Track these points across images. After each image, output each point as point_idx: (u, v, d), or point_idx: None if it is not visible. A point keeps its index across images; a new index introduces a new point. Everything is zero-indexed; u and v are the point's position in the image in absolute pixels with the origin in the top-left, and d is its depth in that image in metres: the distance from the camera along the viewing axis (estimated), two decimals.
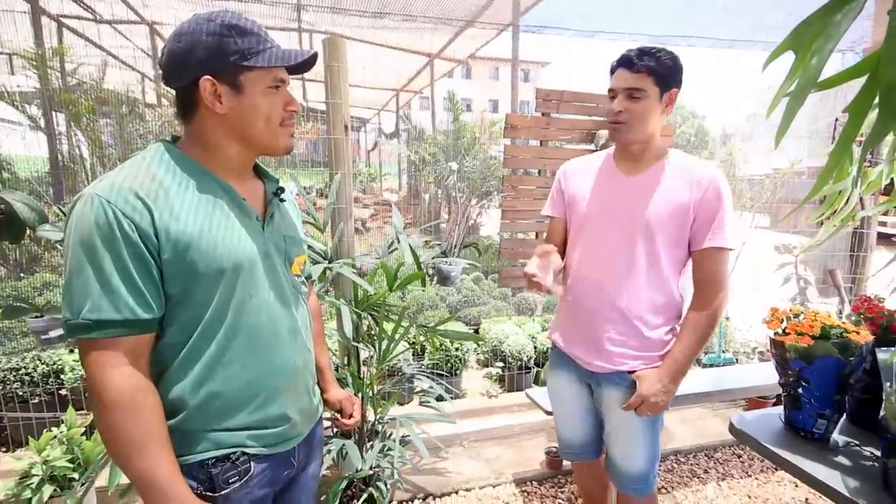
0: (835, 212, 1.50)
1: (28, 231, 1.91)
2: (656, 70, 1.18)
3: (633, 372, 1.28)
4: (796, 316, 1.27)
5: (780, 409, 1.33)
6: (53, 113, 4.43)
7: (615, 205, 1.29)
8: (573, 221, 1.40)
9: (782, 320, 1.27)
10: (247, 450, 0.84)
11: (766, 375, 2.16)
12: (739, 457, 2.55)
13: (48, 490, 1.66)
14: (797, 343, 1.18)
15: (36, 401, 2.40)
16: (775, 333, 1.26)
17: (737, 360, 3.27)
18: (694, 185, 1.22)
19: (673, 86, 1.21)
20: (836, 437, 1.24)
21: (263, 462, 0.87)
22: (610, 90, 1.25)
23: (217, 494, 0.81)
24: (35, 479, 1.67)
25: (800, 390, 1.20)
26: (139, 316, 0.73)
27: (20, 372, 2.41)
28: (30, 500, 1.63)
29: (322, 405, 1.10)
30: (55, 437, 1.82)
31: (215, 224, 0.80)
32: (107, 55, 6.40)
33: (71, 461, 1.76)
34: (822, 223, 1.62)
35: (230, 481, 0.82)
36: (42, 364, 2.46)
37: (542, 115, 2.60)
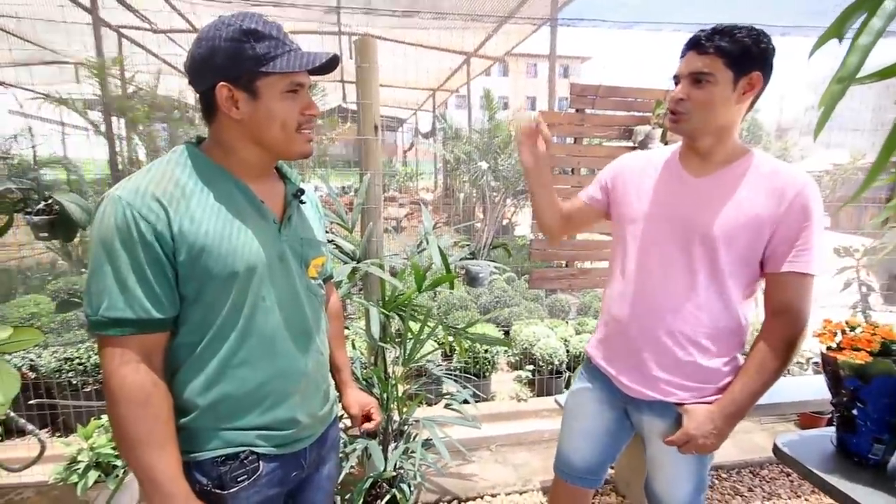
0: None
1: (80, 230, 2.04)
2: (729, 51, 0.99)
3: (682, 405, 1.13)
4: (852, 329, 1.15)
5: (832, 431, 1.21)
6: (113, 118, 4.74)
7: (674, 209, 1.12)
8: (620, 223, 1.24)
9: (836, 333, 1.16)
10: (256, 449, 0.85)
11: (820, 390, 1.98)
12: (788, 475, 2.37)
13: (93, 476, 1.76)
14: (852, 359, 1.07)
15: (88, 390, 2.56)
16: (828, 348, 1.15)
17: (788, 370, 3.05)
18: (776, 195, 1.02)
19: (753, 69, 1.01)
20: (895, 464, 1.12)
21: (273, 462, 0.88)
22: (674, 76, 1.09)
23: (226, 493, 0.82)
24: (82, 465, 1.78)
25: (854, 411, 1.09)
26: (153, 315, 0.75)
27: (74, 362, 2.58)
28: (76, 484, 1.74)
29: (338, 407, 1.10)
30: (101, 425, 1.93)
31: (231, 227, 0.81)
32: (162, 63, 6.79)
33: (114, 448, 1.86)
34: (886, 222, 1.46)
35: (239, 480, 0.83)
36: (94, 355, 2.63)
37: (577, 111, 2.52)
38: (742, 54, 0.99)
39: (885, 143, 0.45)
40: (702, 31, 1.04)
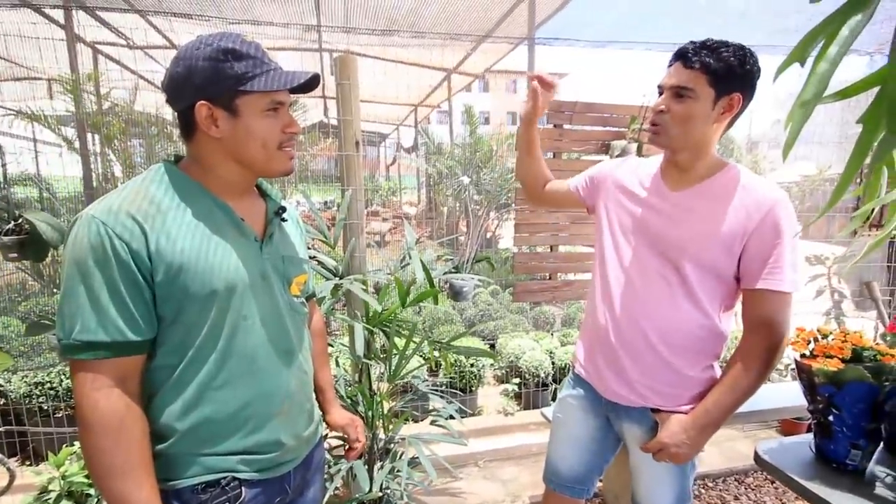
0: (867, 220, 1.41)
1: (52, 250, 1.98)
2: (713, 68, 1.00)
3: (658, 411, 1.15)
4: (824, 337, 1.19)
5: (810, 438, 1.24)
6: (88, 134, 4.65)
7: (651, 222, 1.14)
8: (602, 232, 1.26)
9: (809, 341, 1.19)
10: (238, 475, 0.83)
11: (800, 396, 2.03)
12: (773, 482, 2.40)
13: None
14: (825, 367, 1.10)
15: (59, 415, 2.46)
16: (802, 355, 1.18)
17: (769, 377, 3.11)
18: (747, 211, 1.03)
19: (734, 90, 1.02)
20: (872, 468, 1.14)
21: (256, 487, 0.85)
22: (658, 86, 1.10)
23: None
24: (53, 495, 1.70)
25: (830, 418, 1.12)
26: (128, 338, 0.73)
27: (45, 386, 2.48)
28: None
29: (322, 427, 1.08)
30: (74, 452, 1.85)
31: (210, 245, 0.80)
32: (139, 79, 6.71)
33: (87, 476, 1.78)
34: (856, 233, 1.52)
35: None
36: (66, 379, 2.53)
37: (555, 126, 2.57)
38: (726, 73, 1.01)
39: (850, 160, 0.48)
40: (691, 42, 1.05)
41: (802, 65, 0.55)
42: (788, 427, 2.71)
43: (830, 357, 1.12)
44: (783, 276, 1.01)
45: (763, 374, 1.04)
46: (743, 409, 2.04)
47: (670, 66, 1.08)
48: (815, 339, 1.19)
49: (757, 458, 1.25)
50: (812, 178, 4.04)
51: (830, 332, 1.19)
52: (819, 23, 0.53)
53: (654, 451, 1.12)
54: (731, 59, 1.00)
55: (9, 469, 1.73)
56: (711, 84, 1.01)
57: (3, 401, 2.47)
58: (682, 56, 1.04)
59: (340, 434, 1.15)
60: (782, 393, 2.14)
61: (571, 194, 1.39)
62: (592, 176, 1.35)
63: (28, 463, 2.43)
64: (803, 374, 1.16)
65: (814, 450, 1.21)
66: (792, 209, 1.06)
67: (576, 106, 2.57)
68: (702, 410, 1.08)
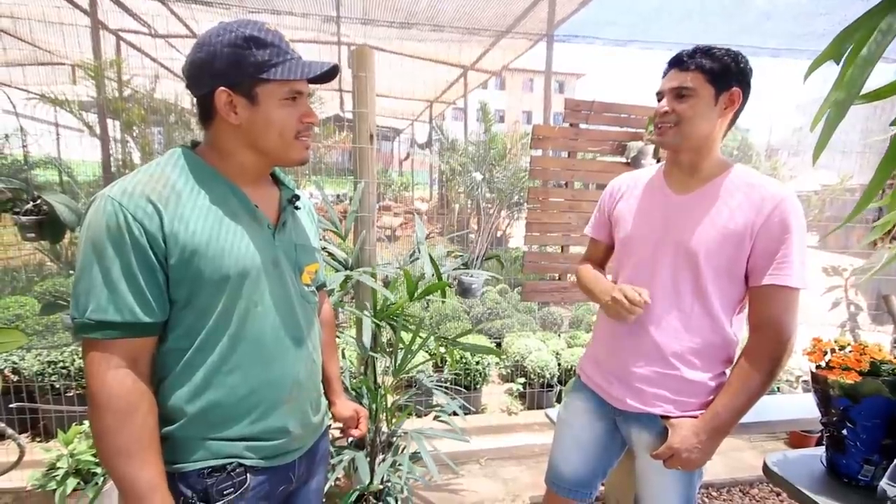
0: (889, 232, 1.37)
1: (69, 232, 2.01)
2: (710, 68, 1.04)
3: (667, 417, 1.13)
4: (842, 348, 1.16)
5: (821, 451, 1.21)
6: (108, 120, 4.72)
7: (658, 228, 1.15)
8: (617, 244, 1.28)
9: (825, 352, 1.16)
10: (243, 461, 0.83)
11: (810, 408, 1.98)
12: (779, 495, 2.37)
13: (72, 483, 1.72)
14: (842, 379, 1.07)
15: (70, 394, 2.51)
16: (817, 367, 1.15)
17: (778, 388, 3.06)
18: (754, 209, 1.03)
19: (732, 85, 1.05)
20: (885, 485, 1.11)
21: (261, 475, 0.86)
22: (658, 93, 1.13)
23: None
24: (60, 472, 1.73)
25: (844, 432, 1.09)
26: (140, 319, 0.73)
27: (58, 365, 2.53)
28: (54, 491, 1.69)
29: (328, 417, 1.08)
30: (82, 431, 1.89)
31: (224, 231, 0.80)
32: (159, 67, 6.78)
33: (94, 455, 1.81)
34: (875, 244, 1.48)
35: (225, 493, 0.81)
36: (78, 359, 2.57)
37: (571, 125, 2.55)
38: (722, 70, 1.04)
39: (879, 168, 0.46)
40: (683, 50, 1.09)
41: (837, 62, 0.53)
42: (797, 439, 2.67)
43: (847, 369, 1.09)
44: (791, 272, 1.00)
45: (772, 374, 1.02)
46: (751, 419, 2.01)
47: (665, 74, 1.13)
48: (832, 351, 1.16)
49: (766, 469, 1.23)
50: (832, 187, 3.95)
51: (848, 344, 1.16)
52: (854, 21, 0.51)
53: (665, 458, 1.10)
54: (725, 58, 1.04)
55: (19, 445, 1.77)
56: (710, 82, 1.05)
57: (16, 378, 2.52)
58: (677, 62, 1.09)
59: (342, 425, 1.15)
60: (792, 404, 2.10)
61: (598, 242, 1.38)
62: (596, 215, 1.37)
63: (38, 439, 2.48)
64: (818, 385, 1.14)
65: (825, 463, 1.18)
66: (800, 206, 1.05)
67: (593, 105, 2.53)
68: (712, 414, 1.06)
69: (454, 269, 2.22)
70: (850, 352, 1.14)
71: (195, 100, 0.85)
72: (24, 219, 1.94)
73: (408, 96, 10.54)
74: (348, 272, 1.85)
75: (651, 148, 2.61)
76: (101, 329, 0.72)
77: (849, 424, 1.08)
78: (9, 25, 5.86)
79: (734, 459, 2.63)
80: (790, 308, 1.02)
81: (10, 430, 1.77)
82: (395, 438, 1.95)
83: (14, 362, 2.56)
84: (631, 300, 1.08)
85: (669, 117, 1.09)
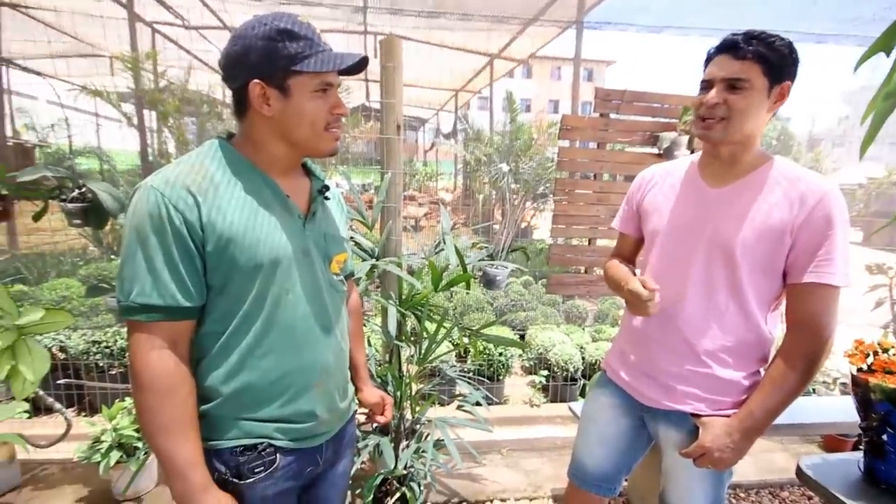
0: None
1: (111, 218, 2.10)
2: (767, 57, 0.96)
3: (698, 416, 1.10)
4: (885, 351, 1.11)
5: (859, 456, 1.17)
6: (145, 111, 4.89)
7: (693, 222, 1.10)
8: (646, 237, 1.24)
9: (868, 355, 1.12)
10: (273, 442, 0.87)
11: (847, 411, 1.91)
12: (811, 499, 2.30)
13: (115, 456, 1.82)
14: (884, 383, 1.03)
15: (113, 372, 2.65)
16: (858, 370, 1.11)
17: (814, 390, 2.95)
18: (796, 203, 0.98)
19: (786, 78, 0.99)
20: None
21: (289, 455, 0.89)
22: (704, 81, 1.04)
23: (243, 482, 0.84)
24: (104, 445, 1.83)
25: (884, 437, 1.05)
26: (180, 303, 0.77)
27: (101, 345, 2.67)
28: (99, 463, 1.80)
29: (355, 404, 1.11)
30: (125, 407, 1.99)
31: (258, 221, 0.83)
32: (193, 58, 6.96)
33: (137, 430, 1.91)
34: None
35: (256, 471, 0.85)
36: (121, 339, 2.71)
37: (601, 115, 2.49)
38: (779, 62, 0.97)
39: None
40: (734, 34, 1.00)
41: (888, 54, 0.50)
42: (832, 443, 2.57)
43: (890, 373, 1.04)
44: (834, 269, 0.95)
45: (809, 375, 0.99)
46: (785, 420, 1.95)
47: (712, 58, 1.04)
48: (875, 353, 1.11)
49: (799, 472, 1.20)
50: (879, 180, 3.74)
51: (892, 347, 1.11)
52: None
53: (696, 457, 1.07)
54: (783, 48, 0.97)
55: (66, 418, 1.88)
56: (766, 74, 0.98)
57: (63, 356, 2.67)
58: (731, 47, 1.00)
59: (368, 411, 1.18)
60: (828, 407, 2.02)
61: (627, 236, 1.35)
62: (624, 208, 1.33)
63: (84, 414, 2.63)
64: (858, 388, 1.09)
65: (862, 469, 1.14)
66: (844, 200, 0.99)
67: (624, 94, 2.47)
68: (746, 413, 1.03)
69: (479, 261, 2.22)
70: (894, 355, 1.09)
71: (230, 92, 0.87)
72: (70, 206, 2.04)
73: (434, 86, 10.49)
74: (374, 261, 1.87)
75: (685, 139, 2.52)
76: (145, 312, 0.76)
77: (889, 430, 1.04)
78: (52, 19, 6.12)
79: (764, 461, 2.56)
80: (831, 307, 0.98)
81: (58, 405, 1.89)
82: (418, 426, 1.99)
83: (61, 341, 2.72)
84: (637, 294, 1.05)
85: (719, 109, 1.01)
